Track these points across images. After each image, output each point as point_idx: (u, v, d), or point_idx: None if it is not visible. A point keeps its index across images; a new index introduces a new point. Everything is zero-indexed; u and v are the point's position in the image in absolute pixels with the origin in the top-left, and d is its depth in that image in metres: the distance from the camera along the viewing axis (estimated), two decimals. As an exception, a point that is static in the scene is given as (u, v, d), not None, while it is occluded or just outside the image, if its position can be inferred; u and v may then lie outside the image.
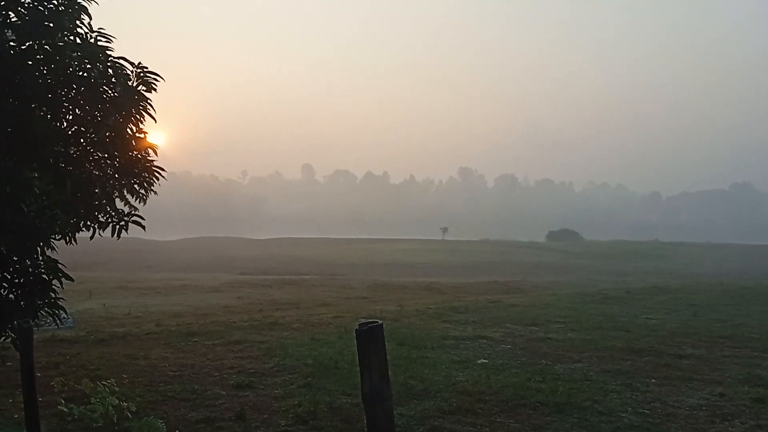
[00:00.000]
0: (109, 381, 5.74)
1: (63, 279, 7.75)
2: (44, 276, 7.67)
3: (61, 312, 8.04)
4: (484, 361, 8.77)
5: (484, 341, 10.35)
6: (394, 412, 6.17)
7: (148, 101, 8.54)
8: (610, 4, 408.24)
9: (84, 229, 8.74)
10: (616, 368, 8.39)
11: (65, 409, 5.40)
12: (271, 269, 42.86)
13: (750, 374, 8.11)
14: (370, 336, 2.57)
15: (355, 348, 2.63)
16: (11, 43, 7.78)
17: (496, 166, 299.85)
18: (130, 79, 8.41)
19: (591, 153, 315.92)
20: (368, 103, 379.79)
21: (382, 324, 2.62)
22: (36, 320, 7.93)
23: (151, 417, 5.69)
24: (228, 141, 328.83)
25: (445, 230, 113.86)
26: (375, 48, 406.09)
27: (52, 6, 7.84)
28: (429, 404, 6.61)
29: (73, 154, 8.25)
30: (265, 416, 6.34)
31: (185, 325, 12.25)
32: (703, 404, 6.77)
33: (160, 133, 10.14)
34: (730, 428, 5.99)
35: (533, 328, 11.83)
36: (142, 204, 8.94)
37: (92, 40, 8.19)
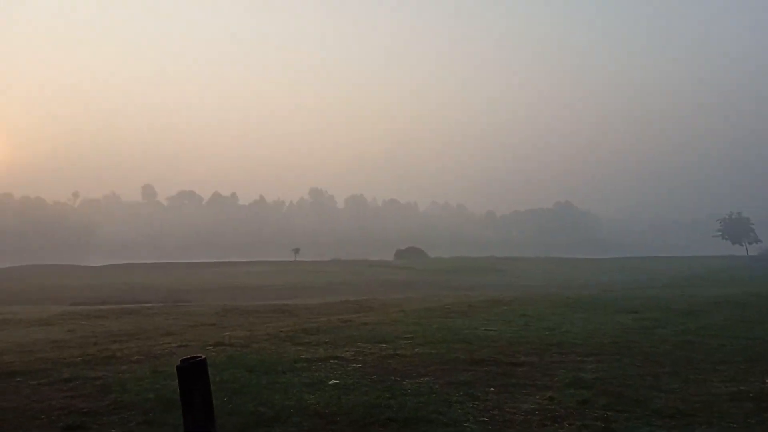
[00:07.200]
0: None
1: None
2: None
3: None
4: (335, 381, 8.80)
5: (336, 361, 10.40)
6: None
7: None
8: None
9: None
10: (459, 379, 8.84)
11: None
12: (108, 298, 39.66)
13: (575, 378, 8.93)
14: (192, 372, 2.43)
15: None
16: None
17: (346, 187, 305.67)
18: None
19: (433, 175, 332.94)
20: (213, 120, 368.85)
21: (204, 359, 2.50)
22: None
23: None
24: (57, 159, 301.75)
25: (296, 251, 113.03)
26: (220, 60, 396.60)
27: None
28: (279, 430, 6.49)
29: None
30: (101, 460, 5.84)
31: (5, 364, 10.93)
32: (535, 409, 7.33)
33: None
34: (560, 429, 6.54)
35: (383, 345, 12.10)
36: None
37: None
